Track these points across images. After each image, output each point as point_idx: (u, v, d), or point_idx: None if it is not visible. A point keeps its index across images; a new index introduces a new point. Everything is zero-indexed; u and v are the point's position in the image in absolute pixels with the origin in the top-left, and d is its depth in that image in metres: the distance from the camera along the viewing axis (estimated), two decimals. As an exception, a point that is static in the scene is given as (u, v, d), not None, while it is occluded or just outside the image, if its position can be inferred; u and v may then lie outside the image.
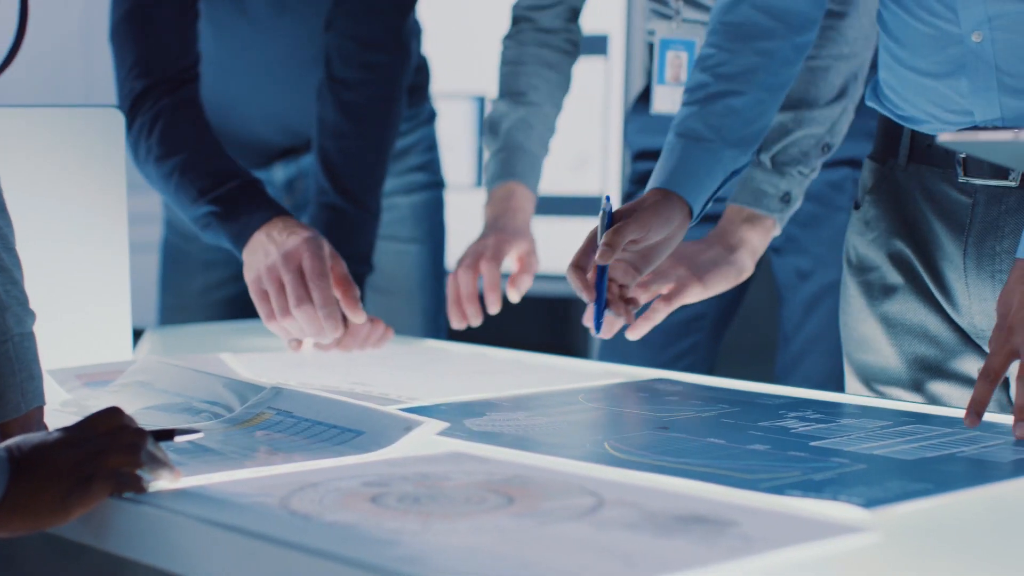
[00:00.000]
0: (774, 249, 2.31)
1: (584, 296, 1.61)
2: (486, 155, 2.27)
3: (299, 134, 2.35)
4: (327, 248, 1.91)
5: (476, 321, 2.07)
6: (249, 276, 1.92)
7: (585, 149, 3.47)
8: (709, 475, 1.25)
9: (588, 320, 1.68)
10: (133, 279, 1.84)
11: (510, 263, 2.16)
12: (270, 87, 2.33)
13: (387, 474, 1.25)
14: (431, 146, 2.50)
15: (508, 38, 2.31)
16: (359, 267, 2.12)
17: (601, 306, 1.63)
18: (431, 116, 2.50)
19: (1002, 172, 1.59)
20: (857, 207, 1.77)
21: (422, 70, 2.47)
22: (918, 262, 1.69)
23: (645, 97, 2.30)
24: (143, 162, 2.05)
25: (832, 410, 1.56)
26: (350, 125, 2.17)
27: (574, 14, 2.32)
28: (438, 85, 3.02)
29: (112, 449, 1.19)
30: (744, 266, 1.83)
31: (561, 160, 3.44)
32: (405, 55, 2.23)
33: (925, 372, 1.70)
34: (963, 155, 1.62)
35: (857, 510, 1.13)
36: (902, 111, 1.68)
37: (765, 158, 1.84)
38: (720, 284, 1.81)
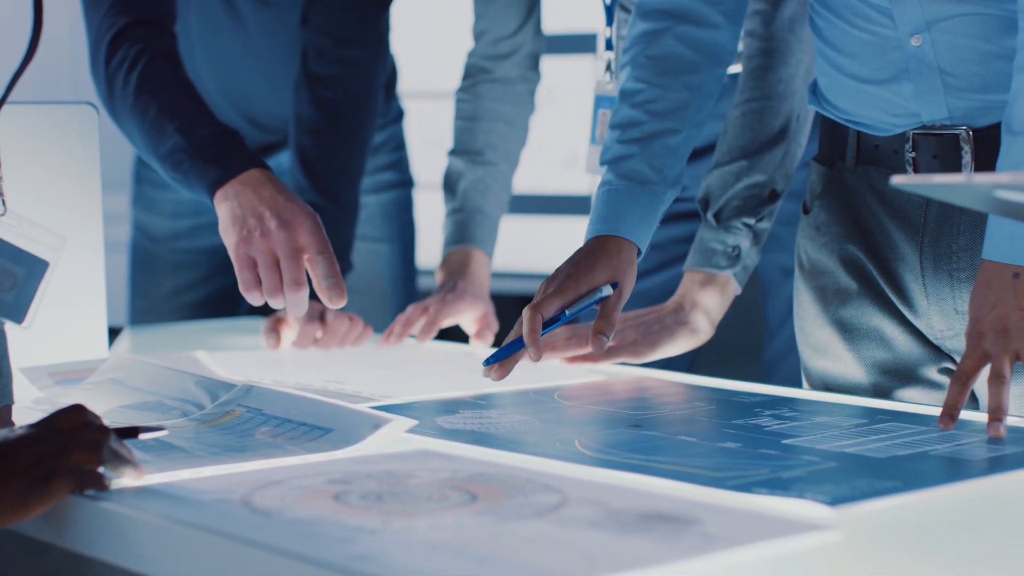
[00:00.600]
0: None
1: (527, 340, 1.51)
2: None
3: (278, 130, 2.34)
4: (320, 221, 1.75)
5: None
6: (232, 237, 1.72)
7: (574, 148, 3.46)
8: (677, 473, 1.24)
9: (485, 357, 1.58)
10: (108, 278, 1.82)
11: (467, 326, 2.10)
12: (250, 81, 2.32)
13: (352, 471, 1.24)
14: (399, 145, 2.48)
15: (463, 91, 2.25)
16: (342, 264, 2.11)
17: (515, 348, 1.54)
18: (399, 115, 2.49)
19: (954, 168, 1.58)
20: (806, 211, 1.76)
21: (391, 69, 2.46)
22: (872, 265, 1.68)
23: None
24: (118, 97, 1.92)
25: (808, 408, 1.55)
26: (327, 122, 2.16)
27: (534, 61, 2.25)
28: (421, 83, 3.01)
29: (74, 446, 1.18)
30: (700, 329, 1.81)
31: (550, 159, 3.44)
32: (382, 51, 2.22)
33: (884, 376, 1.68)
34: (913, 154, 1.60)
35: (822, 508, 1.12)
36: (846, 115, 1.67)
37: (710, 215, 1.83)
38: (673, 348, 1.79)
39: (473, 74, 2.24)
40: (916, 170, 1.60)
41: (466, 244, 2.14)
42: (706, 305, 1.80)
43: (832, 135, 1.71)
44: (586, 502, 1.13)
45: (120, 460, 1.21)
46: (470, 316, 2.07)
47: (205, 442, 1.37)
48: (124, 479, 1.21)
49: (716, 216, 1.82)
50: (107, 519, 1.15)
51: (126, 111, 1.87)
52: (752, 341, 2.41)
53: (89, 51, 1.95)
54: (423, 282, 2.42)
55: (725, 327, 1.96)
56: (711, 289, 1.81)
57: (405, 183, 2.48)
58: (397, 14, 2.84)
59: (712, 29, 1.67)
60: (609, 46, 2.04)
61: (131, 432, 1.29)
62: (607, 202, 1.63)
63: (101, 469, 1.20)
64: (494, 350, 1.56)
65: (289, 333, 2.02)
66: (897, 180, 1.16)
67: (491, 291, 2.16)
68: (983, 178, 1.17)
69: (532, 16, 2.21)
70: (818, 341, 1.74)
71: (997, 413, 1.37)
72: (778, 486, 1.19)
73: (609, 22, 2.07)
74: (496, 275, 2.32)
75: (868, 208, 1.67)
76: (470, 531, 1.06)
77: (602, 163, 1.67)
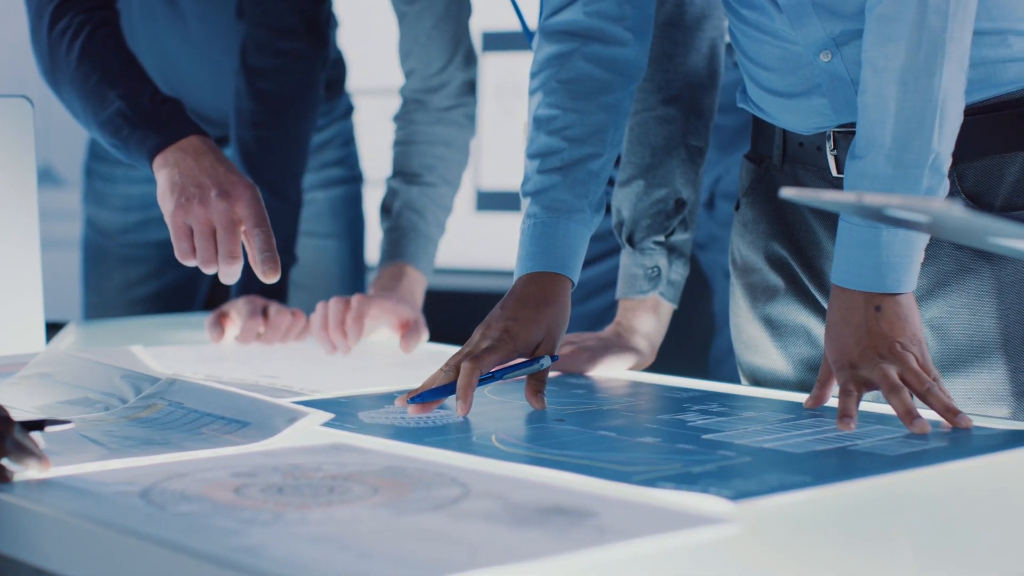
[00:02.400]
0: (698, 245, 2.29)
1: (460, 394, 1.45)
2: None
3: (222, 123, 2.34)
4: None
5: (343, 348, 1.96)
6: (169, 204, 1.70)
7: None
8: (586, 467, 1.23)
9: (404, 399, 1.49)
10: (61, 275, 1.82)
11: (393, 328, 2.01)
12: (190, 71, 2.31)
13: (259, 465, 1.23)
14: (348, 140, 2.47)
15: (398, 118, 2.23)
16: (283, 257, 2.10)
17: (443, 395, 1.49)
18: (348, 110, 2.48)
19: None
20: (737, 208, 1.75)
21: (339, 64, 2.45)
22: (796, 264, 1.67)
23: None
24: (60, 65, 1.91)
25: (737, 403, 1.54)
26: (266, 114, 2.15)
27: (470, 87, 2.22)
28: (372, 80, 3.01)
29: (-25, 438, 1.17)
30: (639, 351, 1.78)
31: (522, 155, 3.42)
32: (321, 42, 2.21)
33: (811, 372, 1.68)
34: (835, 152, 1.59)
35: (723, 502, 1.11)
36: (770, 117, 1.66)
37: (623, 241, 1.80)
38: (613, 367, 1.75)
39: (407, 104, 2.22)
40: (839, 167, 1.60)
41: (399, 260, 2.11)
42: (643, 329, 1.78)
43: (759, 133, 1.70)
44: (487, 495, 1.12)
45: (24, 452, 1.20)
46: (396, 318, 2.00)
47: (120, 435, 1.36)
48: (28, 471, 1.19)
49: (630, 240, 1.80)
50: (5, 511, 1.14)
51: (67, 79, 1.87)
52: (701, 338, 2.40)
53: (30, 21, 1.94)
54: (372, 278, 2.40)
55: (675, 325, 1.95)
56: (643, 313, 1.79)
57: (354, 179, 2.47)
58: (348, 10, 2.84)
59: (620, 46, 1.65)
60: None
61: (37, 425, 1.28)
62: (535, 237, 1.60)
63: (4, 461, 1.19)
64: (419, 386, 1.50)
65: (232, 327, 2.02)
66: (787, 192, 1.16)
67: (465, 289, 2.14)
68: (874, 198, 1.17)
69: (459, 50, 2.17)
70: (749, 337, 1.73)
71: (909, 416, 1.36)
72: (685, 480, 1.18)
73: (529, 39, 2.05)
74: (472, 272, 2.31)
75: (793, 206, 1.66)
76: (363, 524, 1.05)
77: (524, 195, 1.64)
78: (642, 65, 1.67)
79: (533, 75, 1.67)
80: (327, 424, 1.41)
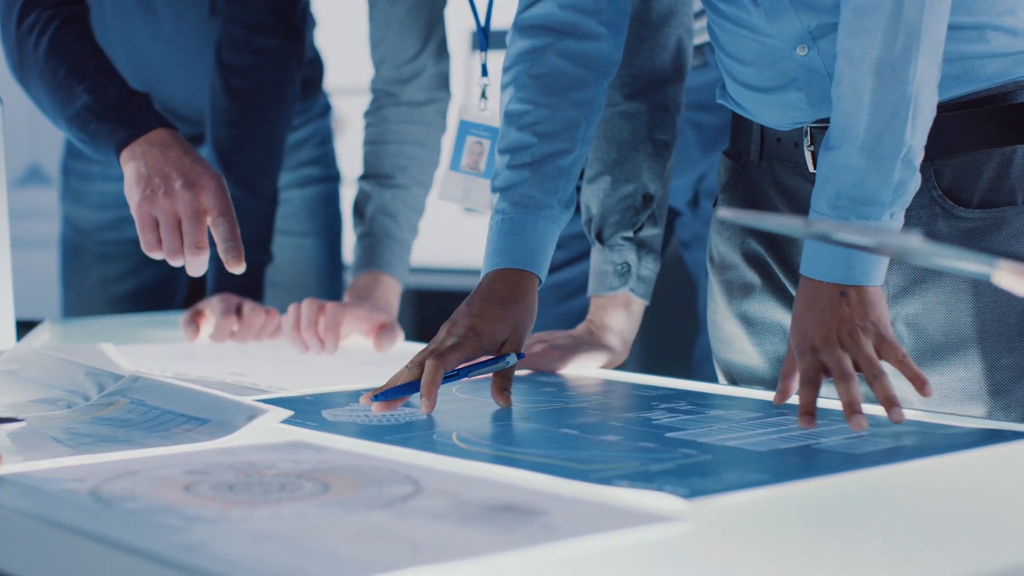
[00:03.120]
0: (683, 244, 2.28)
1: (424, 391, 1.44)
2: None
3: (197, 121, 2.33)
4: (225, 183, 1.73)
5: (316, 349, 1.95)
6: (135, 196, 1.71)
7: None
8: (543, 465, 1.22)
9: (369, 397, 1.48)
10: (42, 274, 1.81)
11: (367, 332, 1.99)
12: (163, 68, 2.30)
13: (214, 462, 1.22)
14: (325, 139, 2.46)
15: (369, 115, 2.20)
16: (256, 255, 2.09)
17: (408, 392, 1.47)
18: (325, 110, 2.47)
19: None
20: (715, 205, 1.73)
21: (316, 63, 2.44)
22: (773, 261, 1.66)
23: None
24: (28, 59, 1.91)
25: (707, 401, 1.53)
26: (241, 112, 2.14)
27: (441, 81, 2.19)
28: (351, 79, 3.00)
29: (-75, 434, 1.16)
30: (611, 348, 1.76)
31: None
32: (296, 39, 2.20)
33: None
34: (812, 148, 1.58)
35: (677, 500, 1.09)
36: (748, 113, 1.65)
37: (592, 238, 1.79)
38: (585, 365, 1.74)
39: (378, 98, 2.19)
40: (815, 163, 1.58)
41: (374, 268, 2.09)
42: (615, 326, 1.77)
43: (738, 129, 1.69)
44: (439, 493, 1.11)
45: (-25, 449, 1.19)
46: (369, 326, 1.98)
47: (79, 432, 1.35)
48: (-20, 468, 1.18)
49: (599, 237, 1.78)
50: (-47, 508, 1.13)
51: (35, 74, 1.87)
52: (686, 337, 2.39)
53: (0, 16, 1.94)
54: (349, 277, 2.39)
55: (660, 324, 1.93)
56: (614, 310, 1.77)
57: (331, 178, 2.46)
58: (326, 8, 2.83)
59: (594, 41, 1.64)
60: (484, 72, 1.98)
61: (-10, 421, 1.27)
62: (503, 232, 1.59)
63: (-46, 458, 1.18)
64: (385, 384, 1.48)
65: (207, 326, 2.00)
66: (724, 214, 1.15)
67: (455, 288, 2.12)
68: (822, 226, 1.16)
69: (432, 38, 2.15)
70: (725, 334, 1.72)
71: (850, 408, 1.34)
72: (642, 479, 1.16)
73: (484, 47, 2.02)
74: (463, 272, 2.29)
75: (770, 203, 1.65)
76: (308, 522, 1.03)
77: (494, 190, 1.63)
78: (616, 60, 1.66)
79: (506, 70, 1.66)
80: (290, 422, 1.39)
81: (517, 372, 1.70)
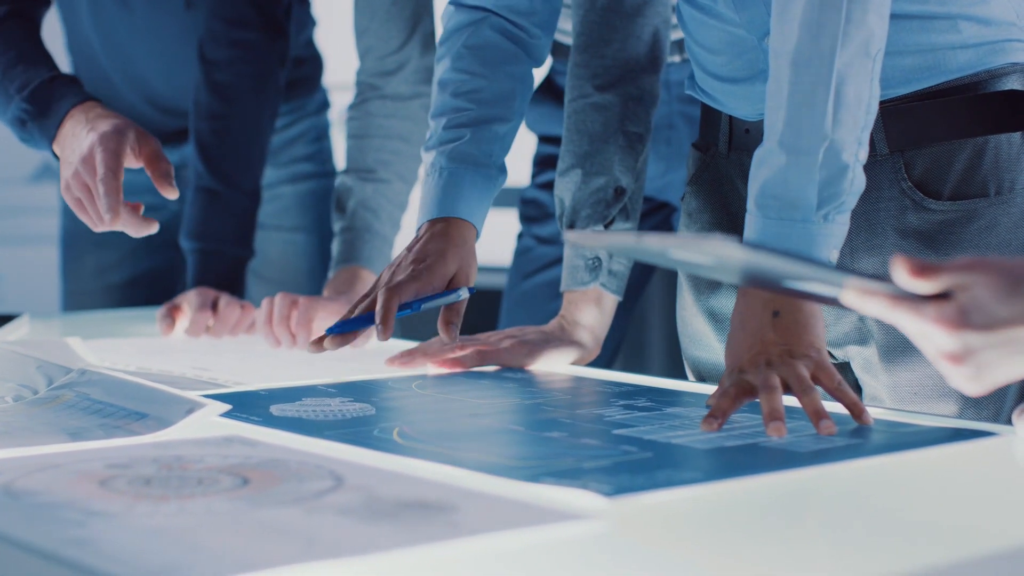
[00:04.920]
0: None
1: (379, 319, 1.51)
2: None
3: (180, 114, 2.31)
4: (129, 135, 1.80)
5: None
6: (62, 183, 1.83)
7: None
8: (475, 462, 1.19)
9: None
10: (42, 270, 1.82)
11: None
12: (143, 62, 2.30)
13: (139, 456, 1.20)
14: (320, 136, 2.45)
15: (352, 108, 2.18)
16: (238, 250, 2.08)
17: (363, 325, 1.53)
18: (322, 107, 2.46)
19: None
20: (683, 197, 1.70)
21: (311, 61, 2.43)
22: None
23: (545, 87, 2.23)
24: None
25: (668, 398, 1.50)
26: (222, 105, 2.13)
27: (427, 75, 2.16)
28: (351, 76, 3.00)
29: None
30: (582, 344, 1.72)
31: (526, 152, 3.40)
32: (277, 34, 2.18)
33: None
34: None
35: (597, 498, 1.07)
36: (717, 103, 1.61)
37: (563, 229, 1.75)
38: (553, 361, 1.70)
39: (362, 91, 2.18)
40: None
41: (354, 263, 2.07)
42: (586, 322, 1.73)
43: (707, 120, 1.66)
44: (355, 488, 1.09)
45: None
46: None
47: (17, 426, 1.33)
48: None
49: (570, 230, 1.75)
50: None
51: None
52: (675, 336, 2.35)
53: None
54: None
55: (649, 322, 1.90)
56: (585, 306, 1.73)
57: (325, 174, 2.44)
58: (329, 6, 2.82)
59: (527, 36, 1.68)
60: None
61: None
62: (441, 186, 1.59)
63: None
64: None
65: (183, 320, 1.99)
66: (569, 236, 1.14)
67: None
68: (653, 240, 1.14)
69: (418, 29, 2.13)
70: (693, 331, 1.68)
71: (773, 415, 1.28)
72: (573, 476, 1.14)
73: None
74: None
75: (738, 195, 1.62)
76: (213, 517, 1.01)
77: (427, 148, 1.62)
78: (545, 56, 1.69)
79: (441, 43, 1.67)
80: (234, 417, 1.37)
81: (484, 368, 1.68)
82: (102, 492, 1.08)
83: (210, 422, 1.34)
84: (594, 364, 2.03)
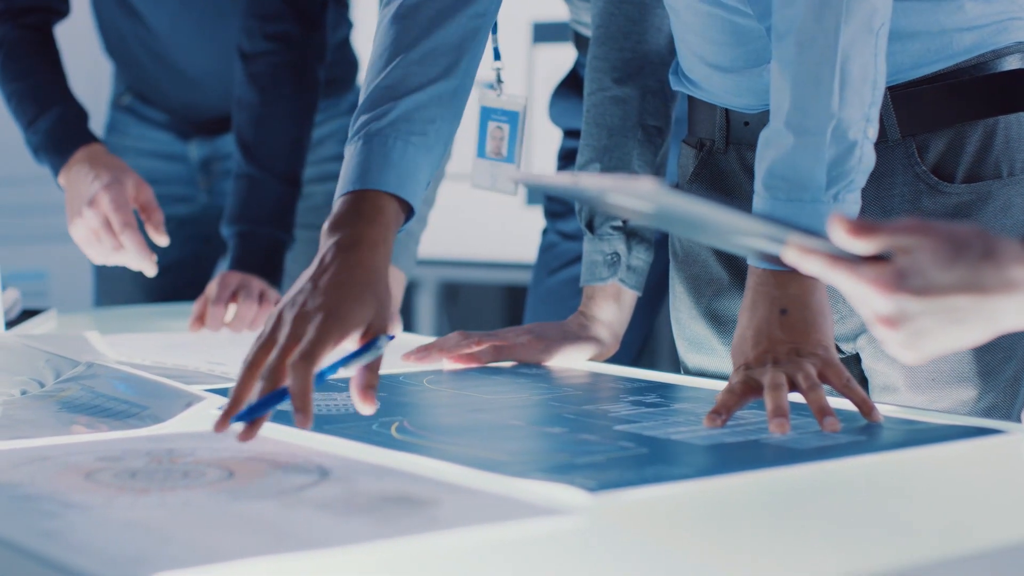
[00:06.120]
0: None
1: (297, 403, 1.18)
2: None
3: (220, 104, 2.34)
4: (127, 184, 2.01)
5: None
6: (68, 219, 2.05)
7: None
8: (464, 457, 1.18)
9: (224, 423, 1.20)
10: (82, 267, 1.85)
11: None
12: (188, 63, 2.32)
13: (131, 449, 1.20)
14: None
15: None
16: (278, 233, 2.09)
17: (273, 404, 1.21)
18: (353, 107, 2.46)
19: None
20: None
21: (345, 63, 2.44)
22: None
23: (570, 80, 2.21)
24: None
25: (677, 394, 1.48)
26: (257, 95, 2.16)
27: None
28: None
29: None
30: (600, 340, 1.69)
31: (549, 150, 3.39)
32: (310, 26, 2.20)
33: None
34: None
35: (580, 493, 1.05)
36: (711, 96, 1.58)
37: (584, 227, 1.73)
38: (571, 357, 1.68)
39: None
40: None
41: None
42: (604, 318, 1.71)
43: (700, 115, 1.62)
44: (339, 483, 1.08)
45: None
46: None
47: (19, 419, 1.34)
48: None
49: (589, 226, 1.72)
50: None
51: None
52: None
53: None
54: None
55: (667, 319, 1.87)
56: (604, 301, 1.71)
57: None
58: (368, 8, 2.82)
59: None
60: (497, 56, 1.92)
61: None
62: (366, 157, 1.39)
63: None
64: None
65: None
66: (514, 176, 1.10)
67: (469, 281, 2.08)
68: (589, 181, 1.11)
69: None
70: (693, 335, 1.66)
71: (778, 411, 1.26)
72: (563, 471, 1.12)
73: (494, 30, 1.96)
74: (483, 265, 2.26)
75: (742, 191, 1.59)
76: (189, 509, 1.01)
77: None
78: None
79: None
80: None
81: (499, 364, 1.66)
82: (85, 484, 1.08)
83: (209, 415, 1.33)
84: (619, 360, 2.01)
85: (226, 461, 1.15)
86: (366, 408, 1.25)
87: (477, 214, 3.49)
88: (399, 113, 1.41)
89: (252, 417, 1.18)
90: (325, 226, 1.34)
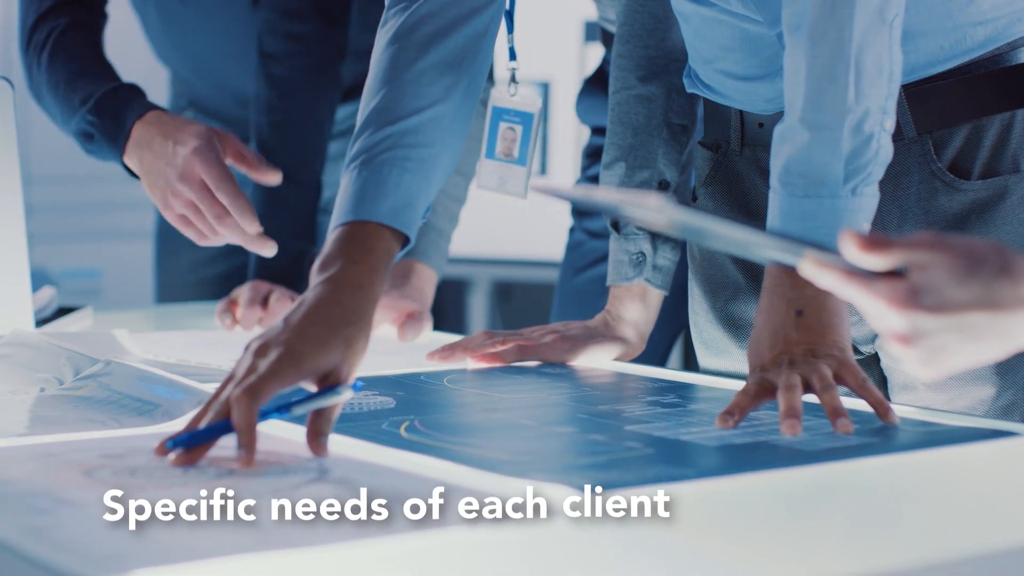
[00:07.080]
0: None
1: (242, 440, 1.14)
2: None
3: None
4: (216, 143, 1.85)
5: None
6: (158, 202, 1.85)
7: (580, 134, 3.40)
8: (466, 456, 1.17)
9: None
10: (137, 265, 1.85)
11: (392, 323, 1.93)
12: (222, 67, 2.32)
13: (136, 447, 1.20)
14: None
15: None
16: (296, 242, 2.08)
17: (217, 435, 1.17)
18: None
19: None
20: (695, 199, 1.65)
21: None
22: None
23: (597, 78, 2.20)
24: (35, 79, 2.03)
25: (696, 394, 1.47)
26: (278, 98, 2.13)
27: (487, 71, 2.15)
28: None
29: None
30: (625, 340, 1.68)
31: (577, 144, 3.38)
32: (332, 26, 2.17)
33: None
34: None
35: (575, 493, 1.04)
36: (725, 98, 1.56)
37: (609, 227, 1.71)
38: (596, 356, 1.67)
39: None
40: None
41: (410, 256, 2.04)
42: (630, 317, 1.70)
43: (714, 117, 1.61)
44: (333, 483, 1.08)
45: None
46: (397, 314, 1.93)
47: (35, 416, 1.34)
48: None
49: (615, 226, 1.71)
50: None
51: (43, 95, 1.97)
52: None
53: (18, 36, 2.02)
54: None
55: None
56: (630, 301, 1.70)
57: None
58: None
59: None
60: (512, 55, 1.90)
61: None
62: (360, 188, 1.37)
63: None
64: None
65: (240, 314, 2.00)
66: (533, 185, 1.09)
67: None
68: (602, 194, 1.10)
69: None
70: (710, 337, 1.64)
71: (789, 413, 1.24)
72: (564, 471, 1.12)
73: (510, 29, 1.94)
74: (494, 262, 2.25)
75: (758, 192, 1.57)
76: (179, 507, 1.00)
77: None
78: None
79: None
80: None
81: (524, 364, 1.65)
82: (83, 481, 1.08)
83: (219, 414, 1.33)
84: (646, 360, 2.00)
85: (228, 459, 1.15)
86: (318, 451, 1.18)
87: (530, 213, 3.49)
88: (395, 138, 1.39)
89: (189, 445, 1.14)
90: (316, 263, 1.31)
